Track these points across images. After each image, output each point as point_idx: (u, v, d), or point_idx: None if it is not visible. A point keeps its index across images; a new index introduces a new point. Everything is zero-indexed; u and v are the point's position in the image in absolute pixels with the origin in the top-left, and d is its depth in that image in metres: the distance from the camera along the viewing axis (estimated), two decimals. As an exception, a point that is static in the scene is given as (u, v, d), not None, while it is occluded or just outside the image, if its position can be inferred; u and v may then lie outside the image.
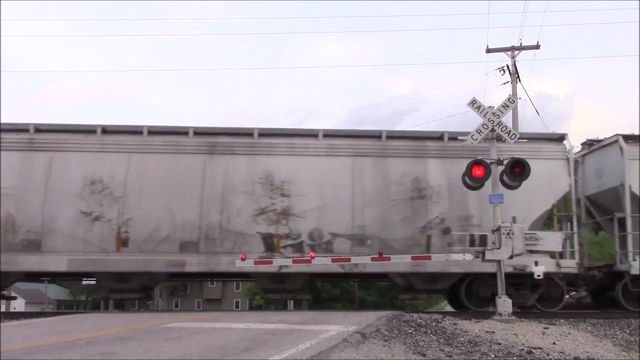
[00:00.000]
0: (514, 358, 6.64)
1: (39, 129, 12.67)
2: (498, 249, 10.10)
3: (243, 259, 11.15)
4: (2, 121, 12.68)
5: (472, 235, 10.92)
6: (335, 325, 7.28)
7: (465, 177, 10.69)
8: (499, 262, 10.18)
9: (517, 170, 10.33)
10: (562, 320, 10.33)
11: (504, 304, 9.94)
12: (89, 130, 12.59)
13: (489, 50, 24.42)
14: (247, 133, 12.85)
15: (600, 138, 14.08)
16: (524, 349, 7.13)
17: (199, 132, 12.81)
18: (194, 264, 12.10)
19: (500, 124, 10.60)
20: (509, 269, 11.29)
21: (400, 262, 11.23)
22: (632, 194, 12.61)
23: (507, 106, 10.83)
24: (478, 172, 10.35)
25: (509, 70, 24.32)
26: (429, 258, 11.59)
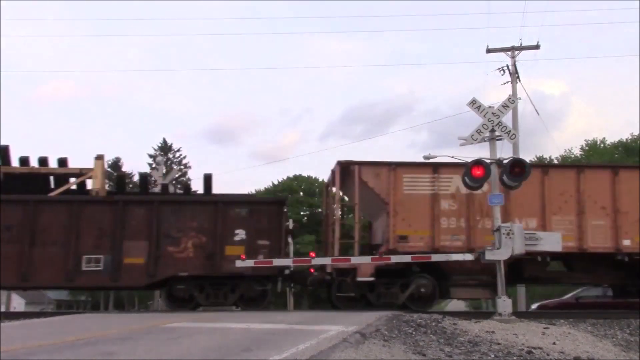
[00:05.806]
0: (514, 358, 6.64)
1: None
2: (498, 249, 10.11)
3: (243, 259, 11.16)
4: None
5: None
6: (335, 325, 7.28)
7: (465, 177, 10.69)
8: (499, 262, 10.19)
9: (517, 171, 10.33)
10: (562, 320, 10.33)
11: (504, 304, 9.95)
12: None
13: (489, 51, 24.40)
14: None
15: None
16: (523, 349, 7.13)
17: None
18: None
19: (500, 124, 10.61)
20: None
21: None
22: None
23: (507, 106, 10.84)
24: (478, 172, 10.35)
25: (509, 71, 24.32)
26: (429, 258, 11.59)
